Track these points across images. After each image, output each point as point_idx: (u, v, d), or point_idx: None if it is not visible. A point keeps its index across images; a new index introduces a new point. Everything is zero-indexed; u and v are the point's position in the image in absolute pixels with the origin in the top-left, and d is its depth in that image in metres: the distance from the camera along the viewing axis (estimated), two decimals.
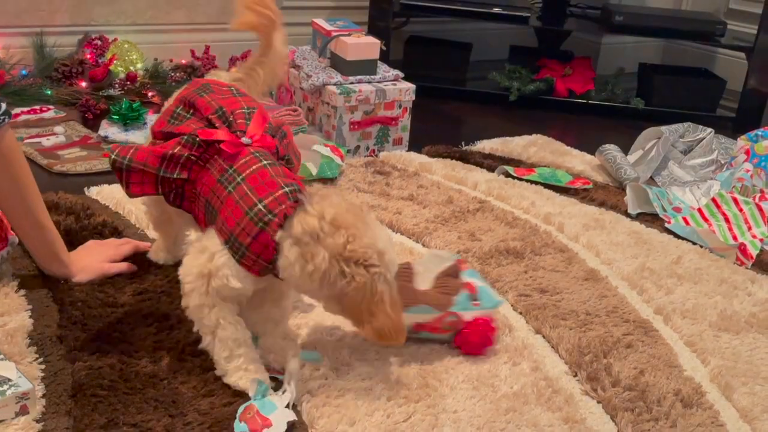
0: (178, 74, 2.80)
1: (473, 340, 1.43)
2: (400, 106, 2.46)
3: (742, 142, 2.45)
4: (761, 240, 1.99)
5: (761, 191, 2.22)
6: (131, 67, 2.76)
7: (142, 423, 1.18)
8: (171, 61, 2.86)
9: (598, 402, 1.35)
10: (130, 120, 2.35)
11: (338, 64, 2.45)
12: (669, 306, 1.67)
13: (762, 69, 3.05)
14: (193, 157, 1.28)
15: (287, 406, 1.25)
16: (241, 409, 1.23)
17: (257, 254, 1.21)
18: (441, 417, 1.27)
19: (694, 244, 1.99)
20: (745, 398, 1.38)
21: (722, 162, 2.48)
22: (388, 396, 1.30)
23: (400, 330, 1.23)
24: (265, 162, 1.26)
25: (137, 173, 1.29)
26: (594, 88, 3.26)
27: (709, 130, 2.56)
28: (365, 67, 2.43)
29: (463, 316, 1.42)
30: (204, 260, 1.24)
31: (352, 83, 2.41)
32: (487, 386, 1.36)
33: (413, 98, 2.48)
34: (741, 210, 2.07)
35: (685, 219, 2.10)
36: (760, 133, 2.44)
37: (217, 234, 1.24)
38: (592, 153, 2.55)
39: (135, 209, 1.88)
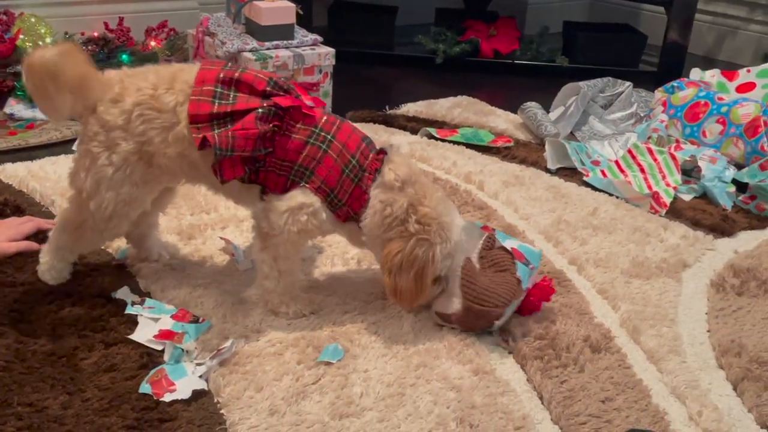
0: (90, 48, 2.69)
1: (536, 300, 1.44)
2: (320, 71, 2.42)
3: (660, 94, 2.48)
4: (675, 188, 2.02)
5: (677, 141, 2.26)
6: (39, 42, 2.64)
7: (38, 402, 1.14)
8: (82, 34, 2.75)
9: (509, 353, 1.36)
10: None
11: (253, 29, 2.39)
12: (583, 256, 1.69)
13: (681, 22, 3.09)
14: (276, 128, 1.29)
15: (201, 376, 1.23)
16: (152, 371, 1.22)
17: (350, 205, 1.33)
18: (351, 377, 1.26)
19: (611, 195, 2.01)
20: (652, 340, 1.41)
21: (641, 115, 2.51)
22: (299, 359, 1.29)
23: (413, 298, 1.33)
24: (341, 118, 1.36)
25: (228, 158, 1.27)
26: (519, 48, 3.27)
27: (628, 83, 2.59)
28: (281, 32, 2.38)
29: (529, 285, 1.42)
30: (306, 217, 1.31)
31: (268, 49, 2.35)
32: (399, 344, 1.35)
33: (333, 63, 2.44)
34: (656, 160, 2.11)
35: (603, 172, 2.13)
36: (676, 84, 2.48)
37: (312, 191, 1.31)
38: (516, 112, 2.56)
39: (39, 187, 1.81)
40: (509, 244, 1.44)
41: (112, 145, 1.30)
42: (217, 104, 1.27)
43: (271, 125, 1.28)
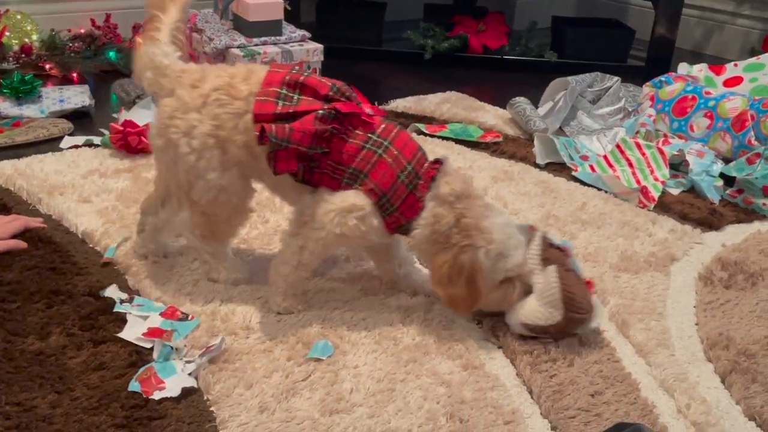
0: (76, 45, 2.68)
1: None
2: (309, 67, 2.41)
3: (648, 88, 2.49)
4: (663, 182, 2.03)
5: (664, 135, 2.27)
6: (26, 39, 2.62)
7: (26, 401, 1.14)
8: (69, 31, 2.73)
9: (499, 348, 1.36)
10: (23, 93, 2.24)
11: (241, 25, 2.38)
12: (572, 250, 1.69)
13: (668, 17, 3.10)
14: (335, 131, 1.29)
15: (190, 374, 1.23)
16: (141, 369, 1.22)
17: (402, 213, 1.33)
18: (341, 373, 1.26)
19: (600, 190, 2.02)
20: (641, 334, 1.41)
21: (630, 109, 2.52)
22: (288, 356, 1.29)
23: (468, 305, 1.33)
24: (398, 126, 1.37)
25: (284, 150, 1.28)
26: (508, 43, 3.27)
27: (616, 78, 2.59)
28: (269, 28, 2.38)
29: None
30: (354, 222, 1.31)
31: (256, 45, 2.35)
32: (389, 340, 1.35)
33: (322, 59, 2.44)
34: (644, 154, 2.12)
35: (591, 166, 2.13)
36: (664, 79, 2.49)
37: (365, 194, 1.31)
38: (506, 107, 2.56)
39: (26, 185, 1.80)
40: (558, 243, 1.43)
41: (189, 129, 1.32)
42: (280, 105, 1.30)
43: (329, 126, 1.29)
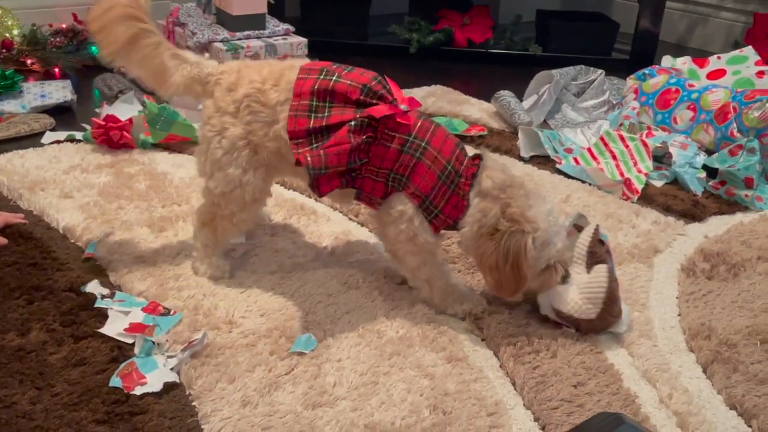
0: (58, 39, 2.66)
1: None
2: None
3: (632, 81, 2.50)
4: (646, 174, 2.04)
5: (648, 128, 2.28)
6: (6, 34, 2.60)
7: (6, 397, 1.13)
8: (50, 26, 2.71)
9: (483, 339, 1.37)
10: (3, 89, 2.22)
11: (224, 19, 2.37)
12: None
13: (652, 10, 3.11)
14: (370, 139, 1.30)
15: (172, 369, 1.22)
16: (123, 365, 1.21)
17: (447, 214, 1.34)
18: (324, 366, 1.26)
19: (584, 182, 2.03)
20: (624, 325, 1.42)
21: (614, 102, 2.53)
22: (271, 350, 1.28)
23: (514, 289, 1.32)
24: (435, 122, 1.35)
25: (324, 175, 1.28)
26: (493, 37, 3.27)
27: (600, 71, 2.60)
28: (253, 22, 2.36)
29: None
30: (405, 226, 1.34)
31: (239, 39, 2.33)
32: (373, 333, 1.35)
33: (306, 53, 2.43)
34: (627, 147, 2.12)
35: (575, 159, 2.14)
36: (647, 71, 2.50)
37: (408, 198, 1.33)
38: (490, 101, 2.56)
39: (7, 180, 1.78)
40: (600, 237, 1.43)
41: (222, 129, 1.37)
42: (313, 119, 1.30)
43: (364, 137, 1.29)
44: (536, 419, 1.18)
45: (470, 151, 2.17)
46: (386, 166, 1.32)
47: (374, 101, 1.30)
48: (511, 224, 1.30)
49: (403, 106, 1.32)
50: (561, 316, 1.37)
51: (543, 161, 2.16)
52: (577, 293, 1.36)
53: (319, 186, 1.29)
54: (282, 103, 1.32)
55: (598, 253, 1.39)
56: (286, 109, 1.32)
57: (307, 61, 1.41)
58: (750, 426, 1.19)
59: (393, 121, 1.31)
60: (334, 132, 1.28)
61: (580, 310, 1.35)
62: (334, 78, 1.31)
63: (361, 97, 1.30)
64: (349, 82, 1.31)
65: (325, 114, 1.29)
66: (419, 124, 1.34)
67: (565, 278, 1.37)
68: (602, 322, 1.36)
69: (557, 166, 2.11)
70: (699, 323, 1.43)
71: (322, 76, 1.31)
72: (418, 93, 2.66)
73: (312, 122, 1.29)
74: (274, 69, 1.37)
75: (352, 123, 1.27)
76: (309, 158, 1.25)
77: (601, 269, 1.36)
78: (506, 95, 2.46)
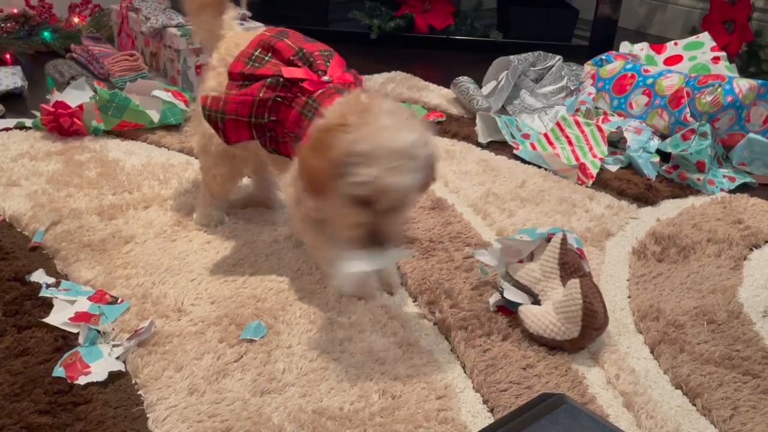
0: (9, 25, 2.59)
1: None
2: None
3: (589, 67, 2.52)
4: (601, 159, 2.06)
5: (604, 113, 2.29)
6: None
7: None
8: (1, 11, 2.64)
9: (435, 324, 1.37)
10: None
11: (179, 4, 2.32)
12: (510, 227, 1.70)
13: None
14: (279, 99, 1.30)
15: (118, 358, 1.20)
16: (66, 354, 1.19)
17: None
18: (274, 353, 1.25)
19: (540, 167, 2.04)
20: None
21: (572, 88, 2.54)
22: (221, 338, 1.27)
23: (318, 178, 1.14)
24: (343, 91, 1.29)
25: (231, 122, 1.32)
26: (454, 23, 3.26)
27: (558, 57, 2.61)
28: None
29: None
30: (293, 191, 1.30)
31: None
32: (324, 319, 1.35)
33: None
34: (583, 132, 2.14)
35: (532, 144, 2.15)
36: (604, 57, 2.51)
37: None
38: (450, 87, 2.56)
39: None
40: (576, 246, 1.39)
41: (204, 81, 1.47)
42: (249, 66, 1.34)
43: (273, 94, 1.30)
44: (485, 401, 1.19)
45: None
46: (291, 128, 1.32)
47: (300, 64, 1.32)
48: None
49: (326, 78, 1.30)
50: (543, 341, 1.31)
51: (500, 147, 2.17)
52: (554, 314, 1.31)
53: (226, 131, 1.33)
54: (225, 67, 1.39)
55: (570, 262, 1.35)
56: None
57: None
58: (694, 405, 1.21)
59: (304, 86, 1.30)
60: (256, 82, 1.32)
61: (560, 332, 1.29)
62: (282, 37, 1.35)
63: (293, 58, 1.32)
64: (290, 43, 1.34)
65: (260, 65, 1.34)
66: (324, 90, 1.26)
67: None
68: (587, 338, 1.30)
69: (514, 151, 2.12)
70: (648, 305, 1.45)
71: (275, 34, 1.37)
72: (377, 79, 2.65)
73: (246, 68, 1.34)
74: (256, 33, 1.42)
75: (269, 80, 1.30)
76: (209, 100, 1.31)
77: (573, 284, 1.29)
78: (465, 81, 2.46)
